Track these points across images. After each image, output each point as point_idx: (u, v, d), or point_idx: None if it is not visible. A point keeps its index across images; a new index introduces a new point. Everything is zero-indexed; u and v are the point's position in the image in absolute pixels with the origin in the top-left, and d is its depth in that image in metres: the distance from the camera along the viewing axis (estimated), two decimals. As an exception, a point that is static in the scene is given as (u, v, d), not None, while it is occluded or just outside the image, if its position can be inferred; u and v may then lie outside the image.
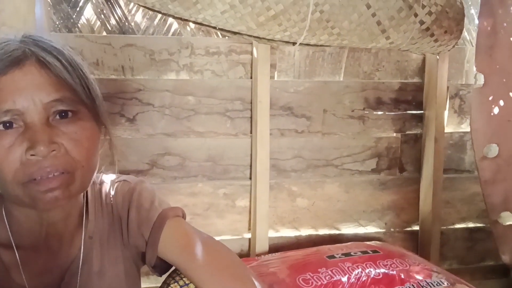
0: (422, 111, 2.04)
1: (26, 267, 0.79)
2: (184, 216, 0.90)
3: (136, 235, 0.86)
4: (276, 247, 1.93)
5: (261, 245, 1.88)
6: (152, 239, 0.84)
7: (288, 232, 1.98)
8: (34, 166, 0.68)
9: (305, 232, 2.00)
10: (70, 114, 0.73)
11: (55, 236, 0.81)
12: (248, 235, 1.93)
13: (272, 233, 1.94)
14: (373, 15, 1.63)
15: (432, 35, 1.75)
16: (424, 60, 2.03)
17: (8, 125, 0.68)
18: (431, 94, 2.00)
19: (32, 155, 0.68)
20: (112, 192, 0.89)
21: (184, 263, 0.83)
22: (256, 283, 0.81)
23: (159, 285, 0.93)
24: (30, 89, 0.69)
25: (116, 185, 0.89)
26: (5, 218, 0.79)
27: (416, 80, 2.04)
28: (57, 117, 0.72)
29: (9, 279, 0.77)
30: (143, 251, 0.87)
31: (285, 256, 1.73)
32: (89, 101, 0.75)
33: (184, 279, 0.85)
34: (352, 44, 1.72)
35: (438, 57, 1.93)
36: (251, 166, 1.91)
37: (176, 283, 0.86)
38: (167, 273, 0.92)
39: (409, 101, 2.04)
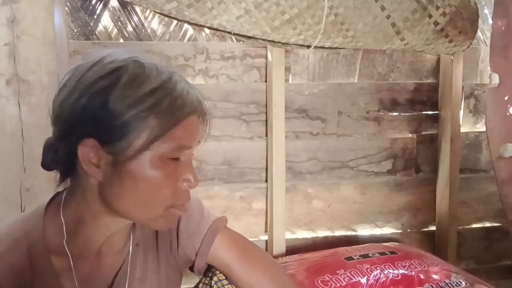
0: (437, 112, 2.04)
1: (77, 273, 0.80)
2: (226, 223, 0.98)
3: (186, 246, 0.91)
4: (293, 249, 1.94)
5: (278, 247, 1.89)
6: (202, 250, 0.91)
7: (305, 234, 1.99)
8: (184, 195, 0.79)
9: (321, 233, 2.00)
10: None
11: (109, 244, 0.84)
12: (265, 237, 1.94)
13: (288, 235, 1.95)
14: (388, 17, 1.64)
15: (446, 35, 1.75)
16: (438, 61, 2.03)
17: (177, 158, 0.77)
18: (446, 94, 2.00)
19: (188, 185, 0.78)
20: None
21: (234, 270, 0.91)
22: None
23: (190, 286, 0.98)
24: (197, 133, 0.78)
25: None
26: (64, 226, 0.80)
27: (431, 80, 2.04)
28: None
29: (60, 285, 0.79)
30: (192, 259, 0.93)
31: (303, 258, 1.74)
32: None
33: (220, 274, 0.93)
34: (367, 46, 1.73)
35: (452, 57, 1.93)
36: (266, 169, 1.92)
37: (216, 276, 0.93)
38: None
39: (424, 101, 2.04)
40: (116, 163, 0.73)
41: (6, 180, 1.45)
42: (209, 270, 0.95)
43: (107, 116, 0.71)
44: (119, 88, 0.71)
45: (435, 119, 2.05)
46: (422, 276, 1.57)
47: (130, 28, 1.75)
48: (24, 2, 1.44)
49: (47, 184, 0.82)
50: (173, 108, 0.72)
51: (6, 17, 1.43)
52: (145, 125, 0.71)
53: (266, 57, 1.86)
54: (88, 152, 0.73)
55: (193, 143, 0.77)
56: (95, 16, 1.71)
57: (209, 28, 1.67)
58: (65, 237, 0.79)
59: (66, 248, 0.80)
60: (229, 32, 1.67)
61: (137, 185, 0.74)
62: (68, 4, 1.66)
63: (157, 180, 0.74)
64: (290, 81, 1.91)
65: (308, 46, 1.71)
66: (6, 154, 1.44)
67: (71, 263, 0.80)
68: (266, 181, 1.92)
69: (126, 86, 0.71)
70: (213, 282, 0.93)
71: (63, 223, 0.80)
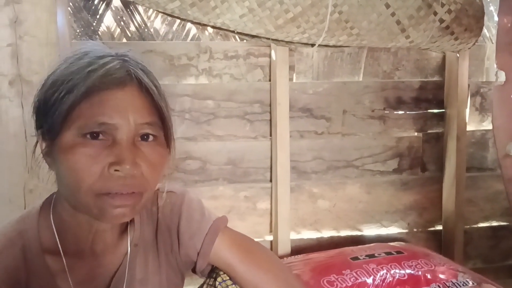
0: (443, 110, 2.03)
1: (72, 274, 0.80)
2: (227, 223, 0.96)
3: (187, 246, 0.90)
4: (298, 249, 1.93)
5: (283, 247, 1.88)
6: (204, 249, 0.89)
7: (310, 234, 1.98)
8: (114, 182, 0.71)
9: (326, 233, 1.99)
10: (151, 138, 0.76)
11: (101, 243, 0.83)
12: (270, 238, 1.93)
13: (293, 235, 1.94)
14: (392, 14, 1.63)
15: (452, 33, 1.73)
16: (444, 58, 2.01)
17: (95, 135, 0.71)
18: (452, 92, 1.98)
19: (116, 170, 0.70)
20: (160, 203, 0.91)
21: (236, 270, 0.89)
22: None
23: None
24: (128, 109, 0.72)
25: (162, 196, 0.92)
26: (53, 225, 0.80)
27: (436, 78, 2.03)
28: (139, 139, 0.75)
29: (56, 285, 0.79)
30: (194, 260, 0.91)
31: (308, 258, 1.73)
32: (169, 129, 0.79)
33: (224, 274, 0.91)
34: (372, 44, 1.72)
35: (458, 55, 1.92)
36: (271, 168, 1.91)
37: (220, 277, 0.91)
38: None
39: (430, 99, 2.02)
40: (50, 149, 0.75)
41: (10, 181, 1.44)
42: (213, 271, 0.94)
43: (36, 104, 0.76)
44: (46, 78, 0.76)
45: (441, 117, 2.03)
46: (428, 276, 1.56)
47: (133, 28, 1.74)
48: (27, 3, 1.42)
49: (51, 185, 0.82)
50: (75, 86, 0.71)
51: (9, 18, 1.42)
52: (59, 107, 0.71)
53: (270, 56, 1.85)
54: (41, 143, 0.77)
55: (114, 119, 0.71)
56: (98, 16, 1.70)
57: (212, 27, 1.66)
58: (57, 237, 0.79)
59: (60, 248, 0.79)
60: (233, 31, 1.66)
61: (62, 168, 0.72)
62: (70, 4, 1.66)
63: (76, 161, 0.70)
64: (294, 80, 1.90)
65: (312, 45, 1.70)
66: (10, 155, 1.43)
67: (64, 264, 0.79)
68: (271, 181, 1.91)
69: (50, 75, 0.76)
70: (217, 283, 0.92)
71: (52, 223, 0.80)
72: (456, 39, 1.76)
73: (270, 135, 1.89)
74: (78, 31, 1.69)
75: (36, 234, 0.80)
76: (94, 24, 1.70)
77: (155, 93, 0.75)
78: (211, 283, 0.93)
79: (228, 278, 0.91)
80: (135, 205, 0.74)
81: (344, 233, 2.01)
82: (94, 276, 0.83)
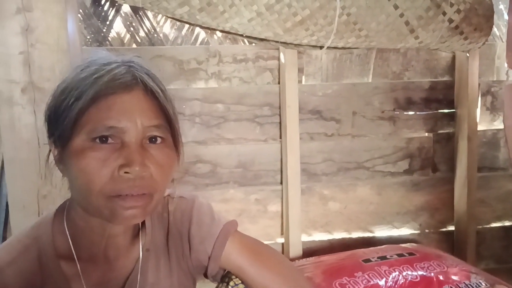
0: (453, 110, 2.02)
1: (86, 278, 0.81)
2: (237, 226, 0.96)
3: (198, 250, 0.91)
4: (310, 251, 1.93)
5: (295, 250, 1.88)
6: (215, 253, 0.90)
7: (321, 236, 1.98)
8: (125, 183, 0.72)
9: (338, 235, 1.99)
10: (159, 140, 0.77)
11: (113, 248, 0.84)
12: (281, 240, 1.94)
13: (305, 237, 1.94)
14: (401, 15, 1.62)
15: (461, 33, 1.72)
16: (453, 58, 2.00)
17: (104, 139, 0.73)
18: (462, 92, 1.97)
19: (126, 172, 0.72)
20: (171, 208, 0.93)
21: (247, 273, 0.90)
22: None
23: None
24: (135, 112, 0.74)
25: (173, 201, 0.93)
26: (67, 230, 0.82)
27: (446, 78, 2.02)
28: (148, 141, 0.76)
29: None
30: (205, 264, 0.92)
31: (320, 260, 1.73)
32: (176, 131, 0.81)
33: (236, 278, 0.92)
34: (381, 45, 1.71)
35: (468, 54, 1.90)
36: (281, 171, 1.91)
37: (232, 281, 0.92)
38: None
39: (440, 100, 2.01)
40: (61, 155, 0.77)
41: (23, 187, 1.46)
42: (226, 276, 0.95)
43: (47, 113, 0.78)
44: (56, 87, 0.78)
45: (451, 117, 2.02)
46: (441, 278, 1.55)
47: (142, 33, 1.75)
48: (38, 11, 1.44)
49: (64, 191, 0.83)
50: (83, 93, 0.73)
51: (20, 26, 1.43)
52: (68, 114, 0.73)
53: (278, 58, 1.85)
54: (53, 150, 0.78)
55: (122, 123, 0.72)
56: (108, 22, 1.72)
57: (221, 31, 1.67)
58: (70, 242, 0.81)
59: (74, 253, 0.80)
60: (241, 35, 1.66)
61: (74, 173, 0.74)
62: (80, 10, 1.68)
63: (86, 165, 0.72)
64: (303, 82, 1.90)
65: (321, 47, 1.70)
66: (23, 162, 1.45)
67: (78, 269, 0.80)
68: (281, 183, 1.91)
69: (59, 84, 0.78)
70: (229, 287, 0.93)
71: (66, 229, 0.82)
72: (465, 38, 1.75)
73: (280, 138, 1.89)
74: (88, 37, 1.70)
75: (51, 239, 0.81)
76: (104, 30, 1.72)
77: (161, 96, 0.77)
78: (223, 287, 0.94)
79: (240, 282, 0.92)
80: (145, 206, 0.75)
81: (355, 234, 2.00)
82: (108, 281, 0.84)
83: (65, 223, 0.82)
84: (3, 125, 1.46)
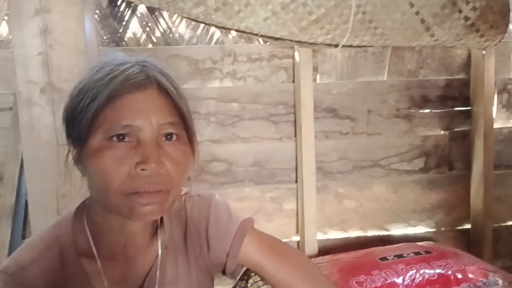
0: (469, 107, 2.01)
1: (107, 276, 0.82)
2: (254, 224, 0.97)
3: (216, 248, 0.91)
4: (325, 250, 1.94)
5: (310, 248, 1.89)
6: (233, 250, 0.91)
7: (337, 234, 1.98)
8: (141, 180, 0.73)
9: (353, 233, 1.99)
10: (175, 137, 0.78)
11: (133, 245, 0.85)
12: (297, 238, 1.94)
13: (320, 236, 1.95)
14: (417, 13, 1.61)
15: (477, 30, 1.71)
16: (469, 56, 1.99)
17: (121, 137, 0.74)
18: (478, 89, 1.96)
19: (142, 169, 0.73)
20: (188, 206, 0.93)
21: (266, 269, 0.90)
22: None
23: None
24: (150, 110, 0.75)
25: (190, 199, 0.94)
26: (87, 228, 0.83)
27: (462, 76, 2.01)
28: (163, 138, 0.77)
29: (92, 287, 0.81)
30: (223, 261, 0.92)
31: (336, 258, 1.73)
32: (191, 128, 0.81)
33: (256, 276, 0.93)
34: (396, 43, 1.70)
35: (484, 51, 1.89)
36: (296, 169, 1.91)
37: (251, 278, 0.92)
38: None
39: (456, 97, 2.00)
40: (79, 156, 0.78)
41: (43, 187, 1.48)
42: (245, 274, 0.95)
43: (65, 114, 0.79)
44: (73, 89, 0.79)
45: (467, 115, 2.01)
46: (459, 276, 1.55)
47: (158, 33, 1.77)
48: (56, 12, 1.46)
49: (84, 191, 0.84)
50: (98, 94, 0.74)
51: (39, 27, 1.45)
52: (85, 114, 0.74)
53: (293, 57, 1.85)
54: (72, 150, 0.79)
55: (137, 121, 0.73)
56: (124, 23, 1.74)
57: (236, 30, 1.67)
58: (91, 241, 0.82)
59: (94, 252, 0.82)
60: (256, 34, 1.67)
61: (92, 172, 0.75)
62: (97, 11, 1.69)
63: (104, 164, 0.73)
64: (318, 81, 1.90)
65: (336, 45, 1.69)
66: (42, 162, 1.47)
67: (99, 266, 0.81)
68: (296, 181, 1.92)
69: (76, 86, 0.79)
70: (249, 285, 0.94)
71: (86, 227, 0.83)
72: (481, 36, 1.74)
73: (295, 136, 1.89)
74: (105, 38, 1.72)
75: (72, 238, 0.82)
76: (121, 30, 1.73)
77: (174, 94, 0.78)
78: (243, 285, 0.95)
79: (259, 279, 0.93)
80: (162, 202, 0.76)
81: (371, 233, 2.00)
82: (127, 278, 0.85)
83: (85, 221, 0.83)
84: (22, 126, 1.48)
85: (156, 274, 0.86)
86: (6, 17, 1.68)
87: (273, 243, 0.95)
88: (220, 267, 0.94)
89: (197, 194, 0.95)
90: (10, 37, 1.55)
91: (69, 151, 0.81)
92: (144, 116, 0.74)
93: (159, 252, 0.87)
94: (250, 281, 0.94)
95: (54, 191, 1.48)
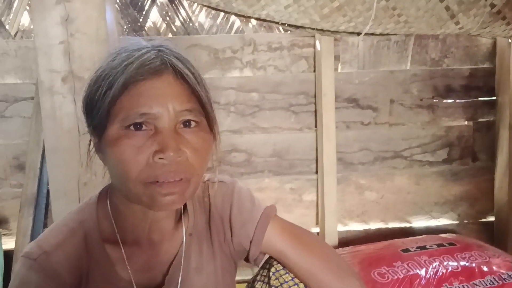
0: (494, 97, 1.96)
1: (131, 263, 0.82)
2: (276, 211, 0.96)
3: (240, 235, 0.91)
4: (345, 241, 1.92)
5: (331, 239, 1.87)
6: (256, 237, 0.90)
7: (357, 226, 1.96)
8: (160, 169, 0.71)
9: (374, 225, 1.97)
10: (193, 124, 0.76)
11: (157, 232, 0.84)
12: (317, 229, 1.92)
13: (340, 227, 1.93)
14: (441, 0, 1.58)
15: (504, 18, 1.67)
16: (494, 44, 1.94)
17: (138, 126, 0.73)
18: (503, 79, 1.91)
19: (160, 158, 0.71)
20: (211, 193, 0.93)
21: (289, 256, 0.89)
22: (355, 276, 0.90)
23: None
24: (166, 97, 0.73)
25: (213, 185, 0.93)
26: (111, 215, 0.83)
27: (486, 65, 1.96)
28: (182, 126, 0.75)
29: (116, 274, 0.81)
30: (246, 248, 0.91)
31: (357, 250, 1.71)
32: (210, 114, 0.79)
33: (278, 264, 0.91)
34: (420, 31, 1.67)
35: (510, 40, 1.85)
36: (316, 160, 1.90)
37: (273, 267, 0.91)
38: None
39: (480, 87, 1.96)
40: (99, 145, 0.77)
41: (65, 175, 1.49)
42: (267, 262, 0.94)
43: (84, 104, 0.78)
44: (90, 78, 0.78)
45: (492, 105, 1.97)
46: (484, 268, 1.52)
47: (178, 23, 1.76)
48: (77, 1, 1.46)
49: (106, 179, 0.84)
50: (114, 82, 0.72)
51: (61, 16, 1.45)
52: (102, 103, 0.73)
53: (314, 46, 1.83)
54: (93, 139, 0.79)
55: (154, 109, 0.72)
56: (144, 12, 1.73)
57: (257, 19, 1.65)
58: (115, 227, 0.81)
59: (118, 238, 0.81)
60: (277, 22, 1.65)
61: (111, 161, 0.74)
62: (117, 1, 1.69)
63: (122, 153, 0.72)
64: (339, 70, 1.88)
65: (358, 34, 1.67)
66: (64, 151, 1.48)
67: (123, 253, 0.81)
68: (316, 172, 1.90)
69: (93, 74, 0.78)
70: (270, 273, 0.92)
71: (110, 214, 0.82)
72: (508, 24, 1.69)
73: (316, 127, 1.88)
74: (125, 27, 1.72)
75: (96, 223, 0.82)
76: (141, 20, 1.73)
77: (191, 78, 0.75)
78: (264, 273, 0.94)
79: (281, 268, 0.92)
80: (183, 192, 0.74)
81: (392, 224, 1.98)
82: (152, 265, 0.84)
83: (109, 207, 0.83)
84: (44, 115, 1.48)
85: (180, 262, 0.85)
86: (28, 7, 1.69)
87: (296, 231, 0.94)
88: (244, 253, 0.93)
89: (220, 180, 0.94)
90: (31, 26, 1.55)
91: (90, 140, 0.80)
92: (161, 103, 0.72)
93: (184, 239, 0.87)
94: (272, 269, 0.93)
95: (76, 180, 1.48)
